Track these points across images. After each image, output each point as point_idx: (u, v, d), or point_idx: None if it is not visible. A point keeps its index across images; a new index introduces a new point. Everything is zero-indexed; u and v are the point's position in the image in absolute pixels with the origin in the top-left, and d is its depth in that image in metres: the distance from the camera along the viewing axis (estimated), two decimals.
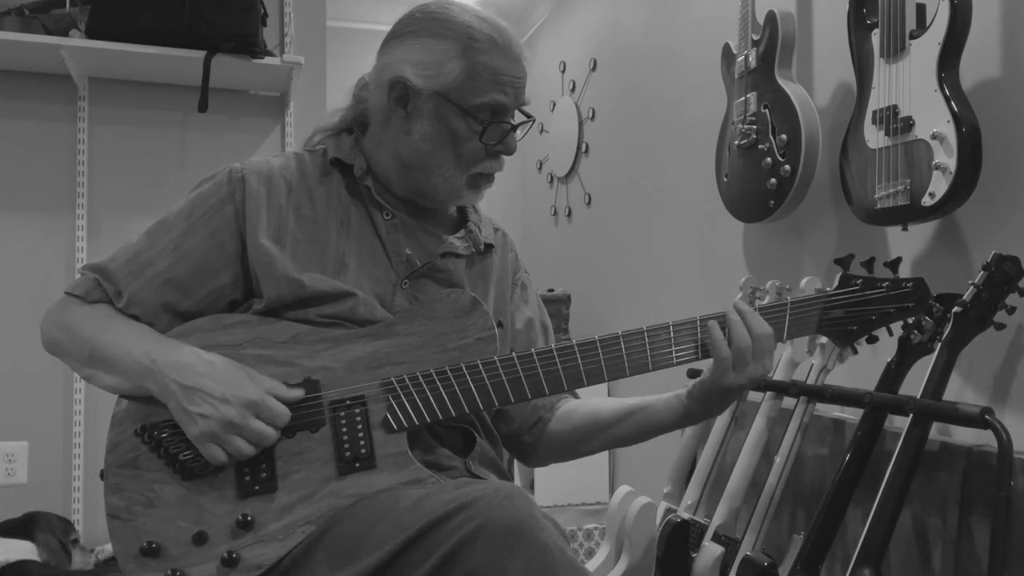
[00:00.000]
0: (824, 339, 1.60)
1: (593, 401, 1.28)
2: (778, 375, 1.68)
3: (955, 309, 1.36)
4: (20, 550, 1.99)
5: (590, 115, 3.36)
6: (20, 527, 2.10)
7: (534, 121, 1.20)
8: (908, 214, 1.51)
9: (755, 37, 1.96)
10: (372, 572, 0.90)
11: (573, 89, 3.54)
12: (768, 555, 1.54)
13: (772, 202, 1.89)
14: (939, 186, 1.44)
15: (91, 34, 2.18)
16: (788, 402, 1.66)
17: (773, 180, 1.88)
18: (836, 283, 1.20)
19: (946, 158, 1.42)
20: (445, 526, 0.88)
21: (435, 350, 1.09)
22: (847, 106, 1.78)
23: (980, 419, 1.30)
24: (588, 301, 3.28)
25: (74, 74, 2.34)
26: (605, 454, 3.02)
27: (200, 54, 2.23)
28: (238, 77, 2.42)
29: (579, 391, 1.27)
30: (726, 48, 2.09)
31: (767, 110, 1.90)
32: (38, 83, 2.39)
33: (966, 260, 1.56)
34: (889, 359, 1.49)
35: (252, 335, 1.09)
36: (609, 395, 2.81)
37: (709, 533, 1.65)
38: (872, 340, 1.22)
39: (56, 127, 2.40)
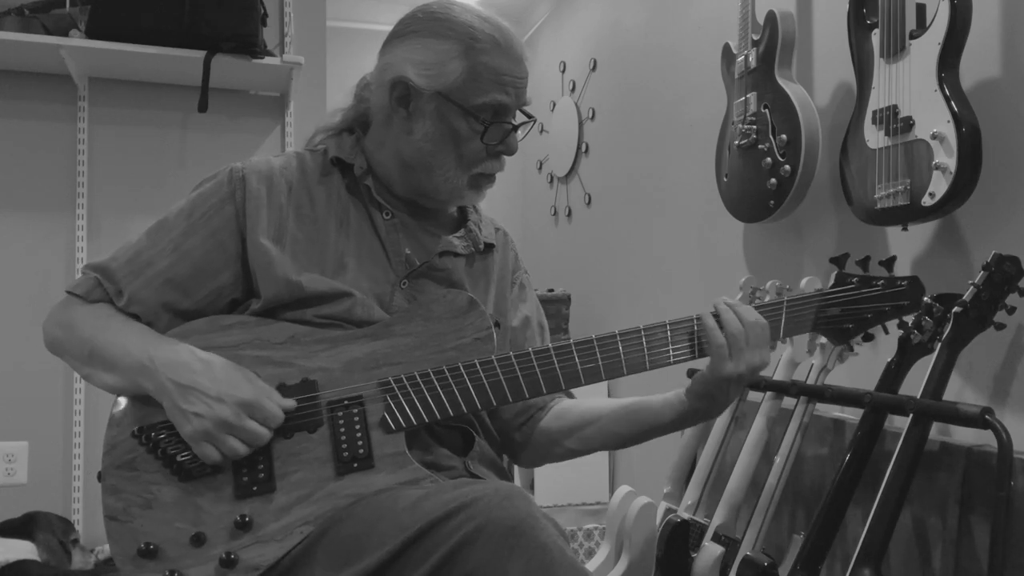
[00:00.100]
0: (824, 339, 1.60)
1: (590, 400, 1.28)
2: (778, 375, 1.68)
3: (955, 309, 1.35)
4: (20, 550, 1.99)
5: (590, 115, 3.36)
6: (20, 527, 2.11)
7: (535, 121, 1.20)
8: (908, 214, 1.51)
9: (755, 37, 1.95)
10: (371, 572, 0.90)
11: (573, 89, 3.54)
12: (768, 555, 1.54)
13: (772, 202, 1.89)
14: (939, 186, 1.44)
15: (91, 34, 2.18)
16: (788, 402, 1.66)
17: (773, 180, 1.88)
18: (832, 281, 1.20)
19: (946, 158, 1.42)
20: (445, 526, 0.88)
21: (432, 350, 1.10)
22: (847, 106, 1.78)
23: (980, 419, 1.29)
24: (588, 301, 3.28)
25: (74, 74, 2.35)
26: (605, 454, 3.02)
27: (200, 54, 2.23)
28: (238, 77, 2.42)
29: (577, 391, 1.27)
30: (726, 48, 2.09)
31: (767, 110, 1.90)
32: (38, 83, 2.39)
33: (966, 260, 1.56)
34: (889, 359, 1.49)
35: (250, 336, 1.09)
36: (609, 396, 2.82)
37: (709, 533, 1.65)
38: (868, 338, 1.23)
39: (56, 127, 2.40)
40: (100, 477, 1.03)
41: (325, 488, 1.01)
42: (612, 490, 2.97)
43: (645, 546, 1.95)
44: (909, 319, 1.30)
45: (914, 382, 1.41)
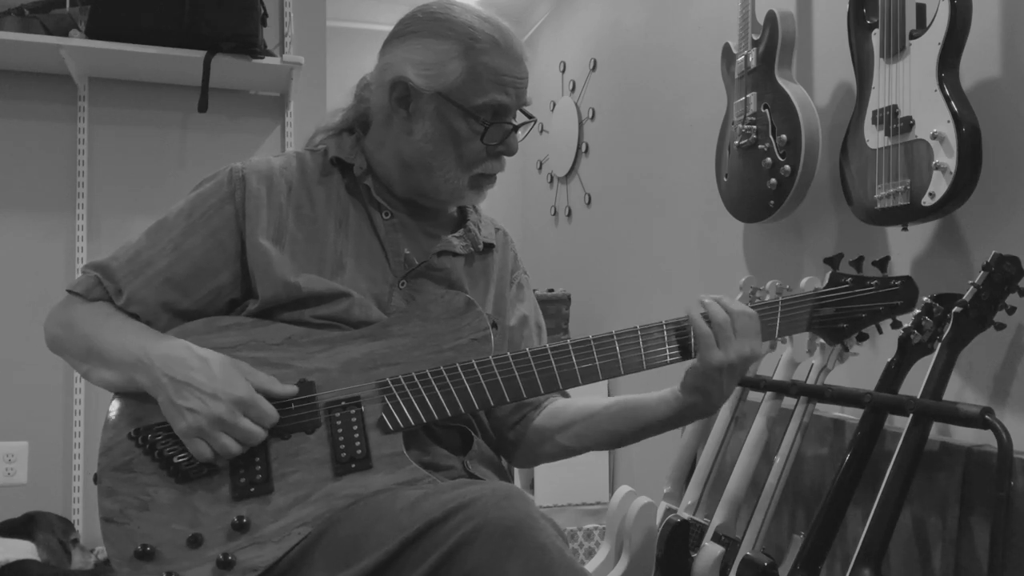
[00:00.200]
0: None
1: (585, 398, 1.27)
2: (778, 375, 1.68)
3: (955, 309, 1.35)
4: (20, 550, 1.99)
5: (590, 115, 3.36)
6: (20, 527, 2.10)
7: (535, 121, 1.20)
8: (908, 214, 1.50)
9: (755, 37, 1.95)
10: (370, 573, 0.89)
11: (573, 89, 3.54)
12: (768, 555, 1.54)
13: (772, 202, 1.89)
14: (939, 186, 1.44)
15: (91, 34, 2.18)
16: (788, 402, 1.66)
17: (773, 180, 1.88)
18: (826, 281, 1.21)
19: (946, 158, 1.42)
20: (443, 527, 0.87)
21: (430, 351, 1.09)
22: (847, 106, 1.78)
23: (980, 419, 1.29)
24: (588, 301, 3.28)
25: (74, 74, 2.35)
26: (605, 454, 3.02)
27: (200, 54, 2.23)
28: (238, 77, 2.42)
29: (576, 390, 1.26)
30: (726, 48, 2.09)
31: (767, 110, 1.90)
32: (38, 83, 2.39)
33: (966, 260, 1.55)
34: (889, 359, 1.49)
35: (247, 337, 1.09)
36: (609, 396, 2.82)
37: (709, 533, 1.65)
38: (862, 338, 1.23)
39: (56, 127, 2.40)
40: (96, 479, 1.03)
41: (323, 489, 1.01)
42: (612, 490, 2.97)
43: (645, 546, 1.95)
44: (903, 319, 1.30)
45: (914, 382, 1.41)
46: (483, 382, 1.07)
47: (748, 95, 1.96)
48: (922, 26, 1.49)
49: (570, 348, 1.10)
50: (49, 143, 2.40)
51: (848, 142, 1.65)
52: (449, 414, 1.07)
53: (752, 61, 1.95)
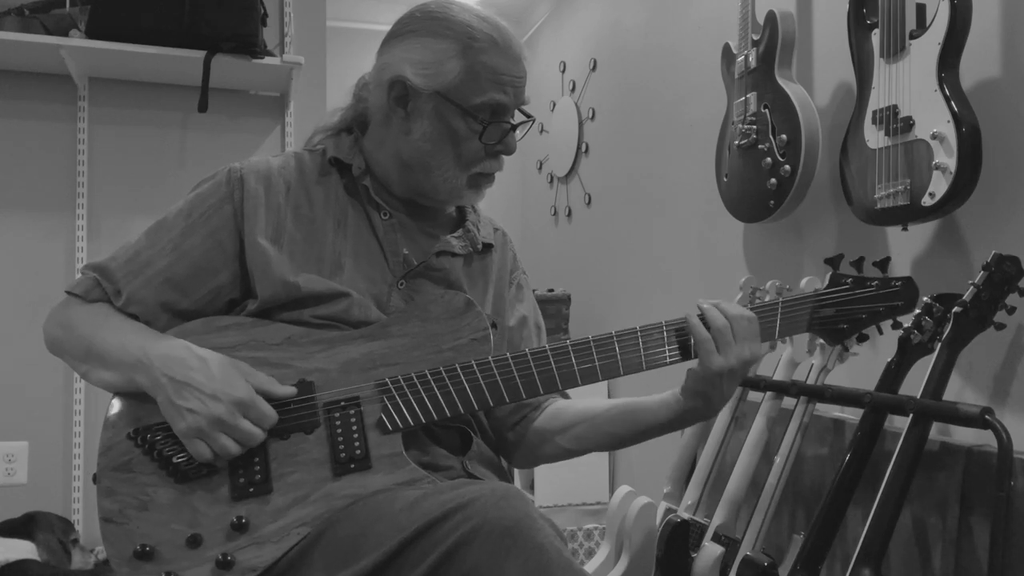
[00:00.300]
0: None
1: (585, 400, 1.27)
2: (778, 375, 1.68)
3: (955, 309, 1.35)
4: (20, 550, 1.99)
5: (590, 115, 3.36)
6: (20, 527, 2.11)
7: (534, 121, 1.20)
8: (908, 214, 1.50)
9: (755, 37, 1.95)
10: (369, 573, 0.89)
11: (573, 89, 3.54)
12: (768, 555, 1.54)
13: (772, 202, 1.89)
14: (939, 186, 1.43)
15: (91, 34, 2.18)
16: (788, 402, 1.66)
17: (773, 180, 1.88)
18: (826, 282, 1.21)
19: (946, 158, 1.42)
20: (442, 527, 0.87)
21: (429, 351, 1.09)
22: (847, 106, 1.77)
23: (980, 419, 1.29)
24: (588, 301, 3.28)
25: (74, 74, 2.35)
26: (605, 455, 3.02)
27: (200, 54, 2.23)
28: (238, 77, 2.42)
29: (576, 391, 1.26)
30: (726, 48, 2.09)
31: (767, 110, 1.90)
32: (38, 83, 2.39)
33: (966, 260, 1.55)
34: (889, 359, 1.49)
35: (246, 337, 1.09)
36: (609, 397, 2.82)
37: (709, 533, 1.65)
38: (862, 339, 1.23)
39: (56, 127, 2.40)
40: (96, 479, 1.03)
41: (322, 489, 1.01)
42: (612, 490, 2.97)
43: (645, 546, 1.95)
44: (904, 319, 1.30)
45: (914, 382, 1.41)
46: (482, 383, 1.07)
47: (748, 95, 1.96)
48: (922, 26, 1.49)
49: (569, 349, 1.10)
50: (49, 143, 2.40)
51: (848, 142, 1.65)
52: (448, 415, 1.07)
53: (752, 61, 1.95)
